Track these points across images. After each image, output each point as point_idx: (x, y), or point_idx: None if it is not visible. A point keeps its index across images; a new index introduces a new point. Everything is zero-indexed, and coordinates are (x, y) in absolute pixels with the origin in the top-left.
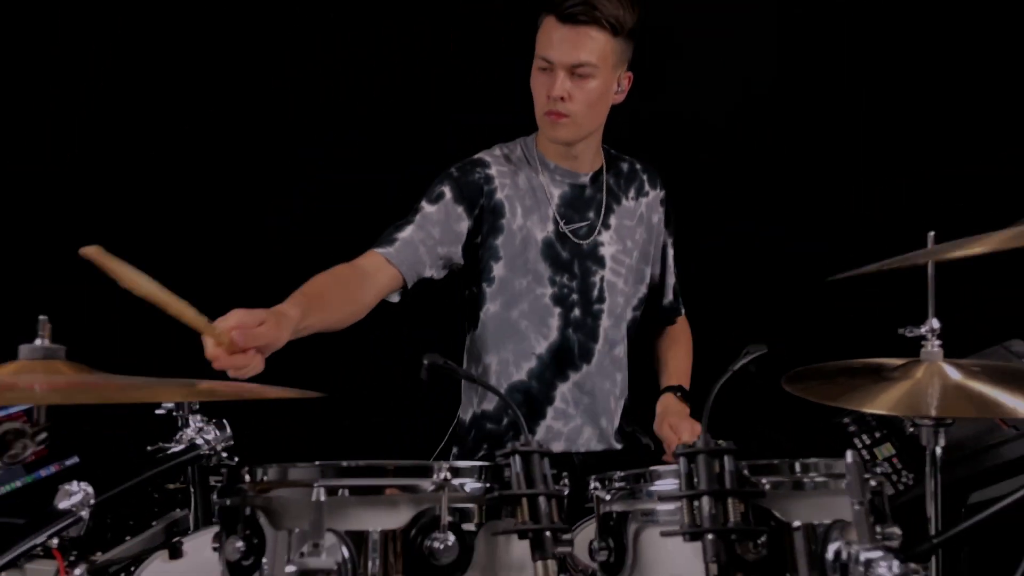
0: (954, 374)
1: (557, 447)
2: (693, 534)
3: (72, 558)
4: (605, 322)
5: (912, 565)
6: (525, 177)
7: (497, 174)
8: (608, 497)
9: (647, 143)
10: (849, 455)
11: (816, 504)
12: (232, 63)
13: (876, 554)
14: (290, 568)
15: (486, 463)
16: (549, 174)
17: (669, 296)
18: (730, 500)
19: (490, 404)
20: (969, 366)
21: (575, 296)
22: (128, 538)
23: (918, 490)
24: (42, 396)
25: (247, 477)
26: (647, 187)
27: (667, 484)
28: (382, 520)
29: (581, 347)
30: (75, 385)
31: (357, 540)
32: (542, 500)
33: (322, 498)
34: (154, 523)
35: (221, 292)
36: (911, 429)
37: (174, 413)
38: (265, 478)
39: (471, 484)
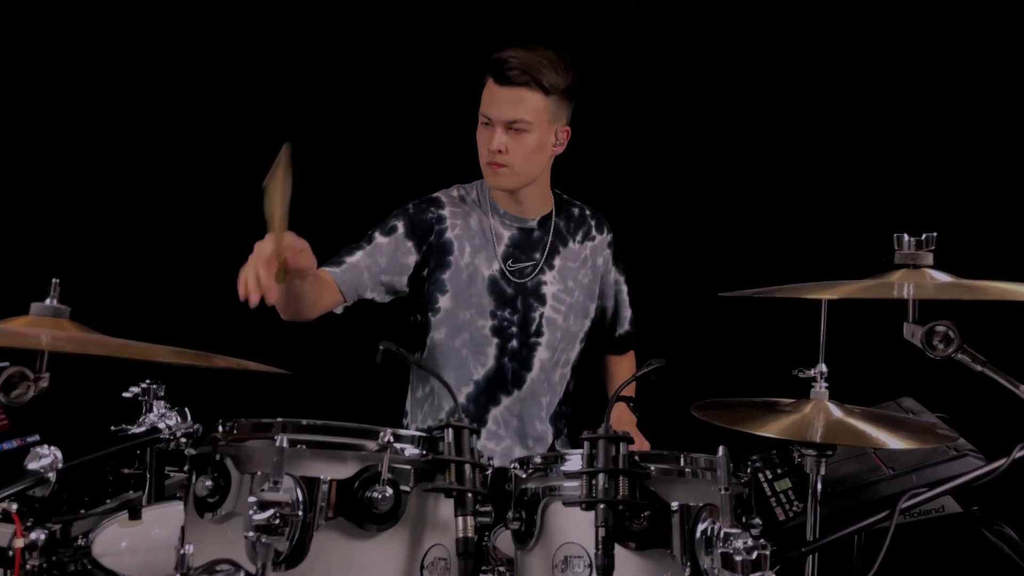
0: (836, 412)
1: (496, 463)
2: (588, 504)
3: (29, 523)
4: (542, 353)
5: (762, 540)
6: (477, 218)
7: (449, 215)
8: (524, 475)
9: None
10: (721, 449)
11: (694, 490)
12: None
13: (735, 531)
14: (251, 499)
15: (423, 433)
16: (499, 218)
17: (625, 327)
18: (621, 478)
19: (437, 421)
20: (849, 408)
21: (514, 329)
22: (83, 512)
23: (803, 517)
24: (48, 344)
25: (220, 428)
26: (594, 232)
27: (574, 465)
28: (332, 471)
29: (514, 375)
30: (76, 339)
31: (309, 485)
32: (468, 467)
33: (284, 445)
34: (108, 501)
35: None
36: (798, 458)
37: (140, 398)
38: (235, 430)
39: (410, 449)
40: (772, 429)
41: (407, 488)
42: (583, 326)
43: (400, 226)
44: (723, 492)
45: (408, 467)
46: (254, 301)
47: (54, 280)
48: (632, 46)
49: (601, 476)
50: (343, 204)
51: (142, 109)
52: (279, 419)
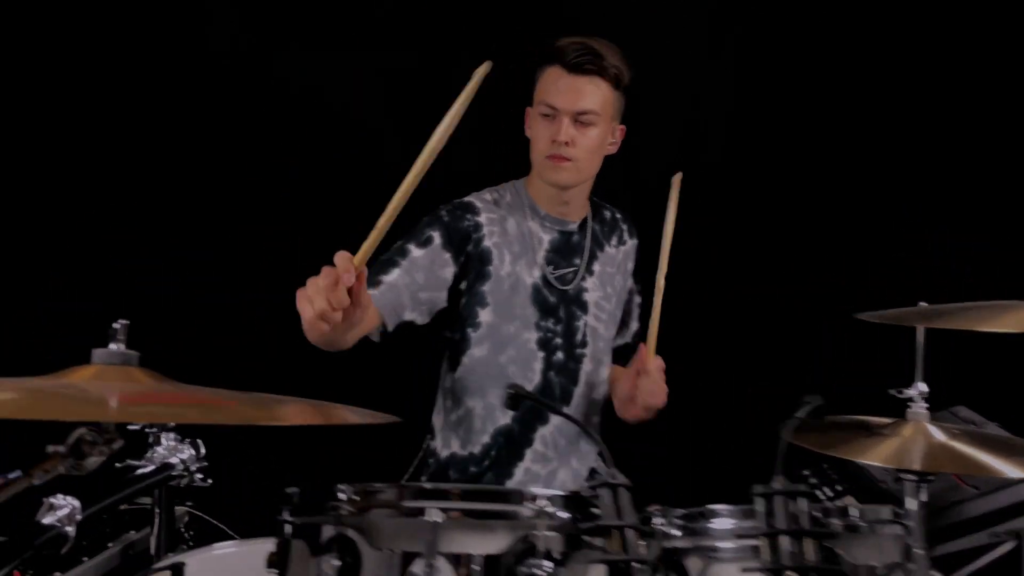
0: (938, 435)
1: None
2: (775, 571)
3: None
4: (587, 366)
5: None
6: (515, 222)
7: (486, 221)
8: (673, 532)
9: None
10: (912, 502)
11: (870, 546)
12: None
13: None
14: None
15: (568, 493)
16: (539, 220)
17: (627, 339)
18: (806, 541)
19: (476, 446)
20: (951, 429)
21: (559, 340)
22: (84, 559)
23: None
24: (118, 413)
25: (342, 495)
26: (626, 236)
27: (726, 522)
28: (482, 544)
29: (562, 390)
30: (158, 398)
31: (460, 562)
32: (629, 532)
33: (438, 520)
34: (110, 544)
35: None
36: (883, 484)
37: (146, 429)
38: (360, 499)
39: (561, 513)
40: (874, 456)
41: (559, 556)
42: (614, 332)
43: (436, 236)
44: (919, 551)
45: (558, 534)
46: (324, 329)
47: (119, 323)
48: (631, 46)
49: (784, 538)
50: (343, 206)
51: (147, 115)
52: (403, 483)
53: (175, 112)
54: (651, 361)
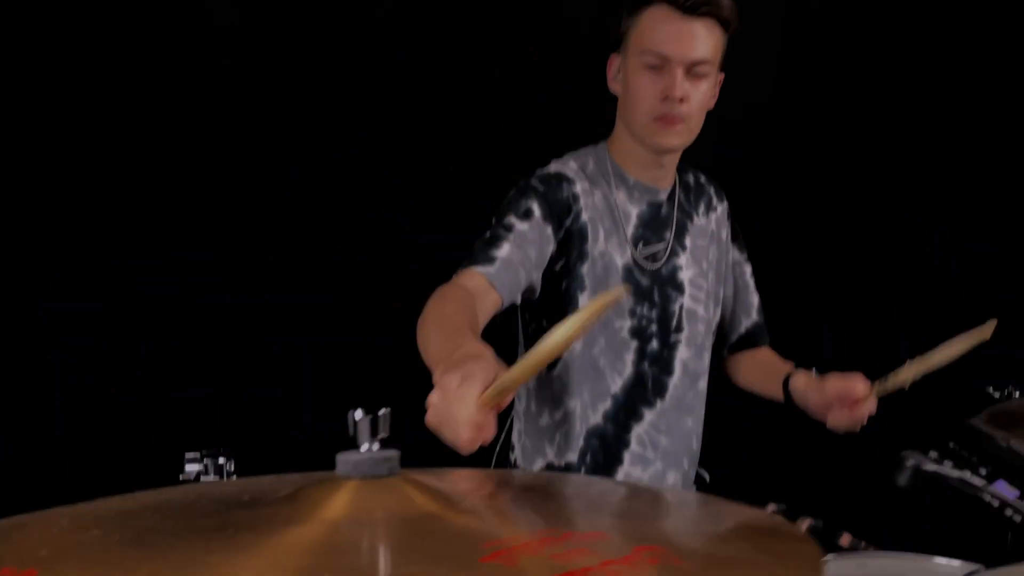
0: None
1: None
2: None
3: None
4: (683, 353)
5: None
6: (602, 195)
7: (581, 192)
8: None
9: None
10: None
11: None
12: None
13: None
14: None
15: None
16: (627, 191)
17: (753, 317)
18: None
19: (574, 452)
20: None
21: (654, 327)
22: None
23: None
24: None
25: None
26: (715, 201)
27: None
28: None
29: (655, 381)
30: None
31: None
32: None
33: None
34: None
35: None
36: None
37: (202, 476)
38: None
39: None
40: None
41: None
42: (716, 316)
43: (536, 208)
44: None
45: None
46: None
47: (381, 412)
48: None
49: None
50: (343, 206)
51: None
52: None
53: (175, 112)
54: (867, 403)
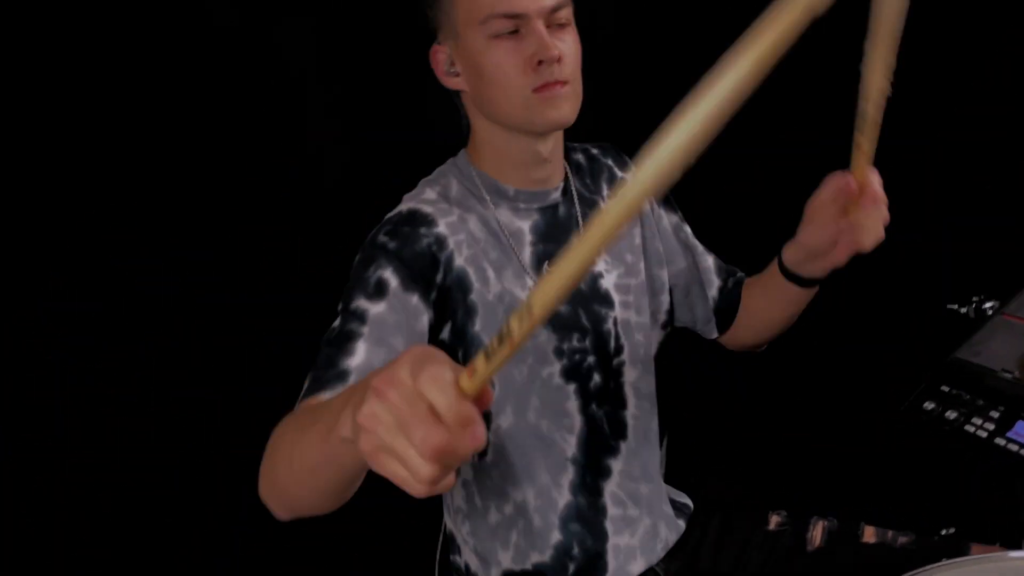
0: None
1: (637, 569)
2: None
3: None
4: (630, 375)
5: None
6: (478, 220)
7: (448, 230)
8: None
9: None
10: None
11: None
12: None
13: None
14: None
15: None
16: (509, 205)
17: (715, 283)
18: None
19: (544, 552)
20: None
21: (591, 359)
22: None
23: None
24: None
25: None
26: (618, 171)
27: None
28: None
29: (612, 421)
30: None
31: None
32: None
33: None
34: None
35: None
36: None
37: None
38: None
39: None
40: None
41: None
42: (662, 305)
43: (390, 277)
44: None
45: None
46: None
47: None
48: None
49: None
50: (344, 207)
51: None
52: None
53: (175, 112)
54: (872, 179)
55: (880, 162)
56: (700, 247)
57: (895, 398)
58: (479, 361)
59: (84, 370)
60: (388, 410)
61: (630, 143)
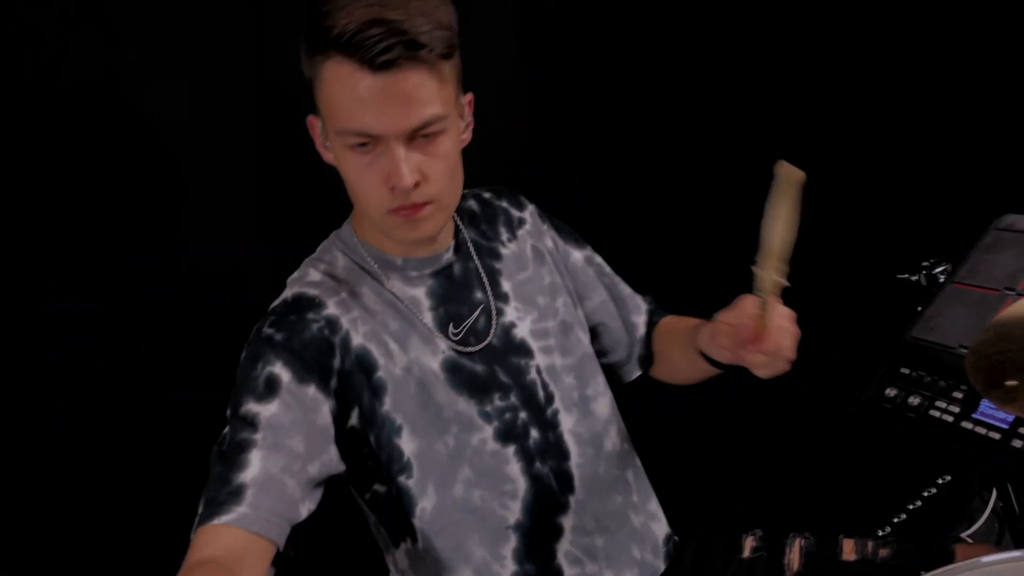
0: None
1: None
2: None
3: None
4: (567, 422)
5: None
6: (371, 293)
7: (338, 310)
8: None
9: None
10: None
11: None
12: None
13: None
14: None
15: None
16: (399, 275)
17: (642, 308)
18: None
19: None
20: None
21: (523, 415)
22: None
23: None
24: None
25: None
26: (513, 213)
27: None
28: None
29: (559, 477)
30: None
31: None
32: None
33: None
34: None
35: None
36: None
37: None
38: None
39: None
40: None
41: None
42: (581, 347)
43: (282, 372)
44: None
45: None
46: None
47: None
48: None
49: None
50: (344, 207)
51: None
52: None
53: (175, 112)
54: (770, 328)
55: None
56: (615, 277)
57: (857, 386)
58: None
59: (84, 370)
60: None
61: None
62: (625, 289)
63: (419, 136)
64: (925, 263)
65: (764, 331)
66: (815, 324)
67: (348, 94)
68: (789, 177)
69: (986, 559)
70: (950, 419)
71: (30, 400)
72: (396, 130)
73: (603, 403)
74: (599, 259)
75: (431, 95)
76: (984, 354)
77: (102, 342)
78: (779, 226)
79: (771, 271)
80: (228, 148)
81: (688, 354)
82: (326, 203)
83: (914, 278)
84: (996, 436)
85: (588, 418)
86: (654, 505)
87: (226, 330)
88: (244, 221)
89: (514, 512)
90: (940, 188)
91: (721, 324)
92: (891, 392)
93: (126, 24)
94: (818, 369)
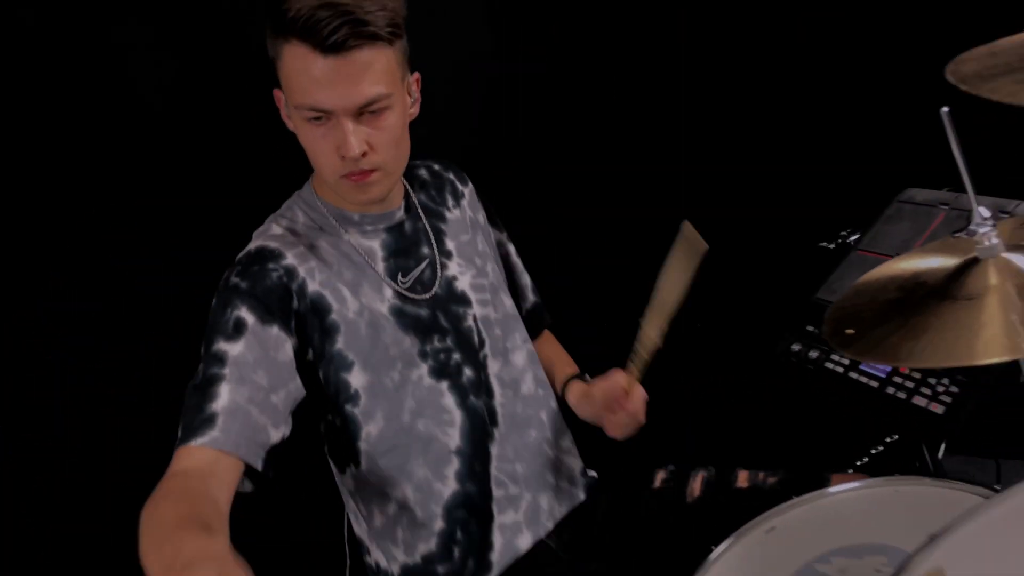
0: None
1: (525, 543)
2: None
3: None
4: (493, 367)
5: None
6: (329, 245)
7: (296, 260)
8: None
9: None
10: None
11: None
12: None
13: None
14: None
15: None
16: (356, 228)
17: (530, 299)
18: None
19: (428, 543)
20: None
21: (457, 355)
22: None
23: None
24: None
25: None
26: (459, 186)
27: None
28: None
29: (488, 411)
30: None
31: None
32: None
33: None
34: None
35: None
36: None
37: None
38: None
39: None
40: (990, 349)
41: None
42: (506, 301)
43: (246, 315)
44: None
45: None
46: None
47: None
48: None
49: None
50: None
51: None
52: None
53: (175, 112)
54: (634, 394)
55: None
56: (520, 266)
57: (771, 341)
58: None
59: (84, 370)
60: None
61: None
62: (524, 279)
63: (367, 112)
64: (843, 232)
65: (630, 396)
66: (741, 287)
67: (304, 75)
68: (693, 242)
69: (831, 489)
70: (840, 371)
71: (30, 400)
72: (345, 106)
73: (520, 355)
74: (511, 247)
75: (377, 75)
76: (840, 307)
77: (102, 342)
78: (673, 288)
79: (654, 329)
80: (228, 149)
81: (550, 379)
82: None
83: (831, 246)
84: (874, 384)
85: (508, 366)
86: (568, 442)
87: None
88: (244, 222)
89: (454, 439)
90: (861, 162)
91: (595, 390)
92: (796, 347)
93: (127, 24)
94: (741, 326)
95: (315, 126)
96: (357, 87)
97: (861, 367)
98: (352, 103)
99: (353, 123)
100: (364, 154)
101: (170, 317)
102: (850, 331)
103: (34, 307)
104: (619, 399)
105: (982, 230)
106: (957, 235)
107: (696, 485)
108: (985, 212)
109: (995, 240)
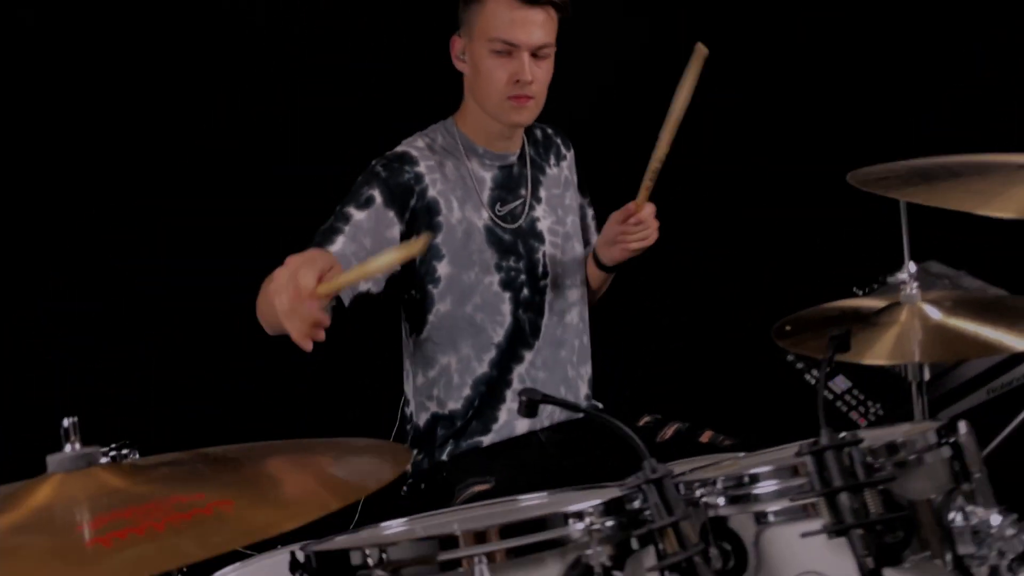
0: (936, 315)
1: (521, 428)
2: (839, 531)
3: None
4: (549, 296)
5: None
6: (452, 166)
7: (426, 169)
8: (718, 501)
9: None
10: (963, 425)
11: (922, 477)
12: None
13: (1001, 517)
14: None
15: (609, 500)
16: (478, 159)
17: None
18: (867, 492)
19: (457, 402)
20: (944, 302)
21: (523, 277)
22: None
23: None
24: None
25: (367, 560)
26: (563, 150)
27: (772, 484)
28: None
29: (532, 325)
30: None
31: None
32: (684, 525)
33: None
34: None
35: None
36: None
37: None
38: (389, 557)
39: (609, 522)
40: (880, 354)
41: (615, 569)
42: (577, 248)
43: (377, 196)
44: (978, 475)
45: (607, 547)
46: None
47: (68, 420)
48: None
49: (844, 495)
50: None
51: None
52: (433, 535)
53: (176, 112)
54: (644, 208)
55: None
56: (593, 228)
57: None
58: (322, 284)
59: (84, 370)
60: (280, 278)
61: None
62: (594, 238)
63: (539, 54)
64: (879, 281)
65: (640, 208)
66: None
67: (505, 16)
68: (699, 54)
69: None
70: (813, 382)
71: (30, 400)
72: (530, 43)
73: (575, 292)
74: (591, 211)
75: (551, 30)
76: (796, 315)
77: (102, 342)
78: (683, 102)
79: (665, 140)
80: (228, 150)
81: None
82: (329, 204)
83: (861, 292)
84: (831, 396)
85: (561, 298)
86: (586, 371)
87: (226, 330)
88: (244, 222)
89: (499, 335)
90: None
91: (612, 216)
92: (790, 358)
93: (126, 25)
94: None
95: (498, 58)
96: (541, 33)
97: (829, 383)
98: (535, 42)
99: (529, 58)
100: (531, 82)
101: (170, 317)
102: (788, 327)
103: (34, 307)
104: (630, 211)
105: (905, 280)
106: (891, 280)
107: (669, 432)
108: (912, 267)
109: (915, 291)
